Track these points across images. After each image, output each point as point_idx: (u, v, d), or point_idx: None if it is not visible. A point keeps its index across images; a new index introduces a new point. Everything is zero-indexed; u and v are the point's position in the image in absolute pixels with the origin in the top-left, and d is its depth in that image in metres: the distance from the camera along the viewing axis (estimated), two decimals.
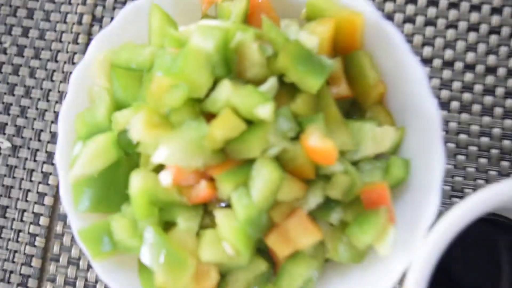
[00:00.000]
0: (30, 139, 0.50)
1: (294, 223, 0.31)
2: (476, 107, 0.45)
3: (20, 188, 0.50)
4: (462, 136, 0.45)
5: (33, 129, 0.50)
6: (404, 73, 0.33)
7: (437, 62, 0.46)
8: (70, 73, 0.50)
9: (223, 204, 0.32)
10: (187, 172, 0.30)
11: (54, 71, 0.51)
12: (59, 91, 0.51)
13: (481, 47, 0.46)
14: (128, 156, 0.35)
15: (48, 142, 0.50)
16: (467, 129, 0.45)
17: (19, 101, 0.51)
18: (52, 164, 0.49)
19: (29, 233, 0.48)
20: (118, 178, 0.34)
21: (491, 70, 0.46)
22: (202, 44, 0.30)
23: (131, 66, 0.34)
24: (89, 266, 0.47)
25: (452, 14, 0.47)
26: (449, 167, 0.45)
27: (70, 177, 0.34)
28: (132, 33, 0.37)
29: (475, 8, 0.47)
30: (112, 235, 0.33)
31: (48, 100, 0.51)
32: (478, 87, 0.46)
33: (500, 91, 0.45)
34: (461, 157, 0.45)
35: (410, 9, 0.48)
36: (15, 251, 0.48)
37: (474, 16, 0.47)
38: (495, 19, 0.46)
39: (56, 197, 0.49)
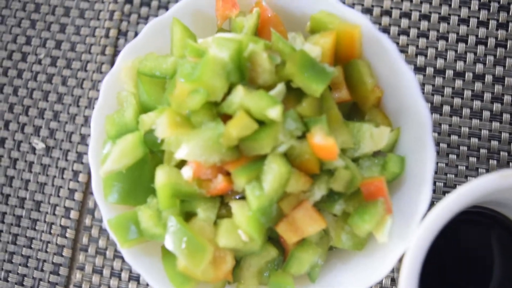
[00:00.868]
0: (62, 140, 0.51)
1: (301, 213, 0.31)
2: (465, 111, 0.46)
3: (52, 185, 0.50)
4: (454, 137, 0.46)
5: (64, 131, 0.51)
6: (399, 80, 0.34)
7: (429, 70, 0.47)
8: (99, 81, 0.51)
9: (238, 196, 0.33)
10: (206, 167, 0.31)
11: (83, 79, 0.52)
12: (88, 98, 0.51)
13: (470, 57, 0.47)
14: (153, 154, 0.36)
15: (78, 143, 0.51)
16: (458, 130, 0.46)
17: (52, 106, 0.52)
18: (82, 163, 0.50)
19: (60, 225, 0.49)
20: (144, 173, 0.35)
21: (479, 77, 0.46)
22: (218, 54, 0.31)
23: (155, 73, 0.35)
24: (115, 256, 0.48)
25: (443, 27, 0.48)
26: (442, 165, 0.45)
27: (101, 173, 0.34)
28: (156, 44, 0.38)
29: (464, 21, 0.48)
30: (139, 224, 0.34)
31: (78, 106, 0.52)
32: (467, 93, 0.46)
33: (487, 96, 0.46)
34: (452, 156, 0.45)
35: (404, 22, 0.48)
36: (48, 242, 0.49)
37: (463, 29, 0.47)
38: (482, 31, 0.47)
39: (85, 193, 0.50)
